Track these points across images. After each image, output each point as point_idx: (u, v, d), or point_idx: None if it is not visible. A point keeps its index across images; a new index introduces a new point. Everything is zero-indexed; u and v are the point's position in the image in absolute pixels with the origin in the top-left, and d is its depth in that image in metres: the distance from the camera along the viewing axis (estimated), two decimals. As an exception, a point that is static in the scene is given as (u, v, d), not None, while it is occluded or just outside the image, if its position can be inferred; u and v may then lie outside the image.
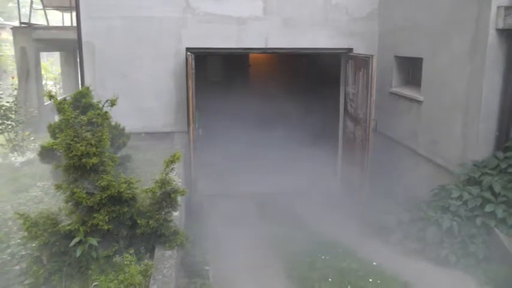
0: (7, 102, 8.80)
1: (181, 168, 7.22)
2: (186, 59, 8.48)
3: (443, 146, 7.17)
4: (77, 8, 8.95)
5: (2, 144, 8.88)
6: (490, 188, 5.91)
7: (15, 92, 9.57)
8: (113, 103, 4.93)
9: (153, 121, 9.35)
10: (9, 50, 20.80)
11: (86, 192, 4.60)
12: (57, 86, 17.81)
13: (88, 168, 4.62)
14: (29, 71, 12.08)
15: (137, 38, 9.05)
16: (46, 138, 8.34)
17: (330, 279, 5.32)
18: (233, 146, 11.17)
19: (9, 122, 8.78)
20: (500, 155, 6.14)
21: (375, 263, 5.81)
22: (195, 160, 8.41)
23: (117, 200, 4.75)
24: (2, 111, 8.65)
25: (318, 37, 9.43)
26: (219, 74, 14.50)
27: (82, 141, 4.59)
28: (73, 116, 4.62)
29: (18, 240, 5.38)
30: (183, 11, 9.11)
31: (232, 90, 12.97)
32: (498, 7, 5.87)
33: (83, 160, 4.56)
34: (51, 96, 4.97)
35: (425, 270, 5.67)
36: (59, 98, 5.68)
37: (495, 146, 6.29)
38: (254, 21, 9.27)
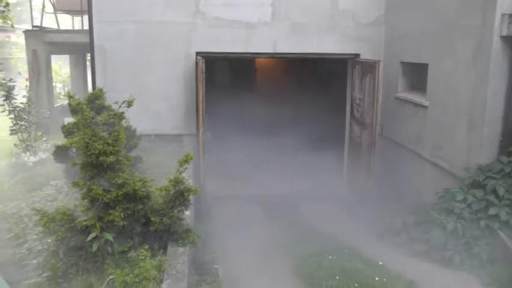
0: (21, 103, 9.02)
1: (190, 170, 7.38)
2: (196, 62, 8.66)
3: (448, 150, 7.31)
4: (89, 12, 9.14)
5: (15, 144, 9.09)
6: (494, 191, 6.04)
7: (28, 94, 9.79)
8: (129, 104, 5.10)
9: (163, 123, 9.51)
10: (20, 53, 21.12)
11: (103, 190, 4.76)
12: (66, 89, 18.05)
13: (105, 166, 4.80)
14: (40, 73, 12.32)
15: (148, 42, 9.24)
16: (57, 139, 8.56)
17: (337, 278, 5.46)
18: (240, 149, 11.32)
19: (22, 123, 8.99)
20: (504, 159, 6.27)
21: (380, 263, 5.94)
22: (204, 162, 8.56)
23: (132, 198, 4.92)
24: (16, 112, 8.86)
25: (325, 42, 9.58)
26: (226, 78, 14.67)
27: (99, 140, 4.77)
28: (91, 116, 4.80)
29: (35, 236, 5.57)
30: (193, 15, 9.29)
31: (239, 94, 13.13)
32: (502, 14, 6.02)
33: (100, 158, 4.74)
34: (70, 97, 5.16)
35: (430, 270, 5.79)
36: (67, 101, 5.90)
37: (499, 151, 6.42)
38: (263, 26, 9.44)
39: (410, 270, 5.76)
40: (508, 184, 6.01)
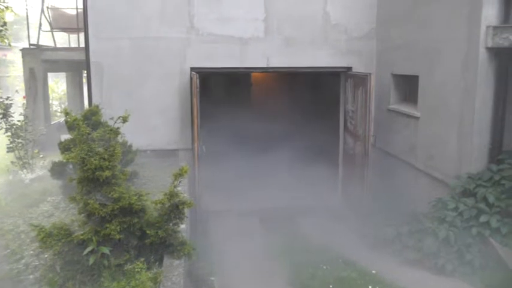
0: (18, 121, 9.11)
1: (186, 184, 7.46)
2: (191, 78, 8.80)
3: (440, 159, 7.43)
4: (85, 29, 9.30)
5: (12, 162, 9.16)
6: (485, 199, 6.15)
7: (24, 112, 9.89)
8: (124, 119, 5.21)
9: (158, 139, 9.60)
10: (16, 71, 21.27)
11: (99, 204, 4.85)
12: (62, 106, 18.16)
13: (101, 181, 4.89)
14: (37, 91, 12.43)
15: (144, 58, 9.37)
16: (54, 156, 8.63)
17: (330, 287, 5.53)
18: (236, 162, 11.40)
19: (19, 140, 9.08)
20: (494, 167, 6.40)
21: (374, 272, 6.02)
22: (199, 176, 8.64)
23: (128, 211, 4.99)
24: (13, 129, 8.96)
25: (317, 56, 9.74)
26: (222, 93, 14.82)
27: (95, 155, 4.87)
28: (88, 131, 4.90)
29: (32, 252, 5.61)
30: (187, 31, 9.45)
31: (234, 109, 13.28)
32: (487, 27, 6.20)
33: (97, 173, 4.83)
34: (67, 114, 5.27)
35: (424, 278, 5.87)
36: (63, 118, 6.02)
37: (489, 159, 6.54)
38: (256, 41, 9.60)
39: (403, 279, 5.84)
40: (498, 192, 6.13)
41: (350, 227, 8.16)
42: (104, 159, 4.89)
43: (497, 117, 6.43)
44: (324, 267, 6.20)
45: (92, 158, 4.83)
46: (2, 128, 8.96)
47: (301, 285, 5.80)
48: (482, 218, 6.00)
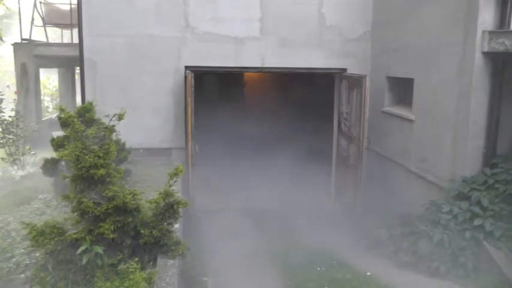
0: (9, 116, 8.99)
1: (179, 184, 7.41)
2: (186, 76, 8.74)
3: (434, 162, 7.45)
4: (79, 26, 9.19)
5: (2, 158, 9.03)
6: (479, 203, 6.19)
7: (16, 107, 9.77)
8: (120, 117, 5.16)
9: (152, 137, 9.53)
10: (7, 66, 21.04)
11: (93, 202, 4.79)
12: (54, 102, 17.99)
13: (95, 179, 4.83)
14: (28, 86, 12.29)
15: (138, 56, 9.30)
16: (45, 153, 8.53)
17: (325, 288, 5.54)
18: (229, 163, 11.36)
19: (10, 136, 8.95)
20: (488, 171, 6.43)
21: (368, 274, 6.02)
22: (192, 176, 8.59)
23: (122, 210, 4.94)
24: (3, 125, 8.83)
25: (312, 57, 9.74)
26: (215, 93, 14.78)
27: (90, 153, 4.80)
28: (82, 129, 4.84)
29: (23, 250, 5.52)
30: (182, 30, 9.40)
31: (227, 108, 13.24)
32: (483, 31, 6.22)
33: (91, 171, 4.77)
34: (61, 110, 5.20)
35: (417, 280, 5.88)
36: (55, 115, 5.95)
37: (483, 163, 6.58)
38: (251, 41, 9.57)
39: (397, 281, 5.84)
40: (492, 196, 6.18)
41: (343, 228, 8.16)
42: (99, 157, 4.84)
43: (492, 121, 6.46)
44: (318, 268, 6.18)
45: (87, 155, 4.77)
46: (-7, 123, 8.83)
47: (295, 286, 5.78)
48: (476, 222, 6.03)
